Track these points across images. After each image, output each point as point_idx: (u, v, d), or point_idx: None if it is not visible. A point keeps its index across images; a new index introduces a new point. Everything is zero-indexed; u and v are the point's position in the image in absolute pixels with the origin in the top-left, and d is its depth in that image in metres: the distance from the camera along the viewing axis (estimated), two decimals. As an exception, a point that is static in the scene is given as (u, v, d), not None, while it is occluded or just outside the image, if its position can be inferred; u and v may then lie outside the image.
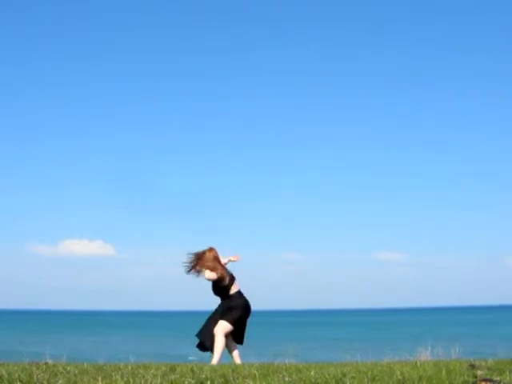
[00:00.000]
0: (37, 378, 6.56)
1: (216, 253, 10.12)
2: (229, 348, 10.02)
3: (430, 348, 10.04)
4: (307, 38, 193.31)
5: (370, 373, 6.94)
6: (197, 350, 10.13)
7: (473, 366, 7.59)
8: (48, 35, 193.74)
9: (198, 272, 10.05)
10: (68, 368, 7.74)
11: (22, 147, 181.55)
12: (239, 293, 10.06)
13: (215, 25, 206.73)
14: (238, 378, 6.66)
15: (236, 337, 10.06)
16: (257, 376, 6.73)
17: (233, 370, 7.44)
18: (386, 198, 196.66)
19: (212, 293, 10.13)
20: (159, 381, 6.42)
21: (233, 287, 10.02)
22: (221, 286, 9.99)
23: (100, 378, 6.55)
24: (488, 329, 65.82)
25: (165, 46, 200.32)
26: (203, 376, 6.79)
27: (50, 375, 6.85)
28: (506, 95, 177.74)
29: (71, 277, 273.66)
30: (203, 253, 10.09)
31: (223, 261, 10.13)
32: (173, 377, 6.73)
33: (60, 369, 7.58)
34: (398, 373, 6.92)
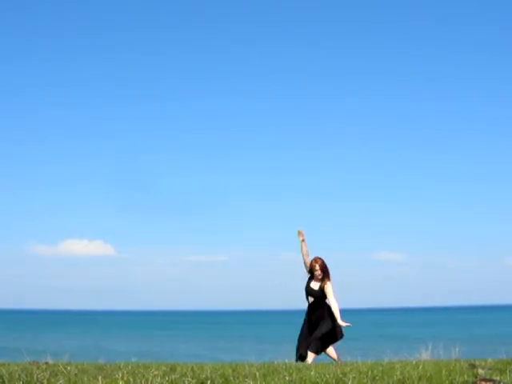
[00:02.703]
0: (37, 377, 6.56)
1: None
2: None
3: (430, 348, 10.04)
4: (307, 38, 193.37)
5: (370, 372, 6.94)
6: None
7: (473, 366, 7.60)
8: (48, 35, 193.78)
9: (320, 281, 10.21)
10: (68, 367, 7.74)
11: (22, 147, 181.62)
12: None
13: (215, 25, 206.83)
14: (238, 378, 6.66)
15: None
16: (257, 376, 6.73)
17: (233, 370, 7.44)
18: (386, 198, 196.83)
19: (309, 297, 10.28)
20: (160, 380, 6.43)
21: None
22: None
23: (100, 378, 6.56)
24: (488, 328, 65.81)
25: (165, 46, 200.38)
26: (203, 376, 6.79)
27: (50, 375, 6.86)
28: (506, 95, 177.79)
29: (71, 276, 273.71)
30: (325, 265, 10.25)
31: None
32: (173, 376, 6.73)
33: (60, 368, 7.58)
34: (398, 372, 6.92)
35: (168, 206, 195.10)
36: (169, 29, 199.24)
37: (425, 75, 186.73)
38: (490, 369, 7.38)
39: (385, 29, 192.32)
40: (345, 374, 6.84)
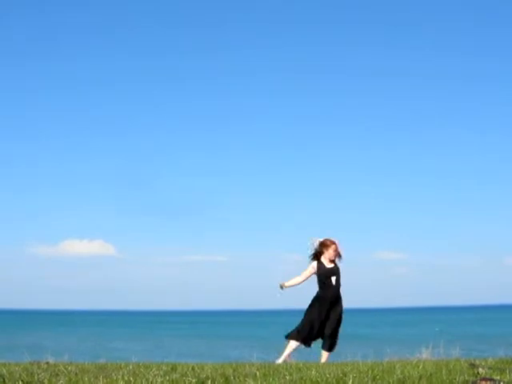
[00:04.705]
0: (38, 377, 6.57)
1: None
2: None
3: (430, 347, 10.05)
4: (307, 38, 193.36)
5: (370, 372, 6.95)
6: None
7: (473, 365, 7.60)
8: (48, 35, 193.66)
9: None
10: (69, 367, 7.75)
11: (22, 147, 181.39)
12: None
13: (215, 25, 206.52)
14: (238, 378, 6.67)
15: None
16: (258, 375, 6.74)
17: (234, 370, 7.45)
18: (387, 197, 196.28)
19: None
20: (160, 380, 6.43)
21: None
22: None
23: (101, 378, 6.56)
24: (488, 328, 65.79)
25: (165, 46, 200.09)
26: (204, 375, 6.79)
27: (51, 374, 6.87)
28: (506, 95, 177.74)
29: (71, 277, 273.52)
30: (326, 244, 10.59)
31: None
32: (174, 376, 6.74)
33: (61, 368, 7.60)
34: (399, 372, 6.93)
35: (168, 205, 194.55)
36: (169, 29, 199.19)
37: (425, 75, 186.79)
38: (490, 368, 7.38)
39: (384, 29, 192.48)
40: (345, 374, 6.84)
